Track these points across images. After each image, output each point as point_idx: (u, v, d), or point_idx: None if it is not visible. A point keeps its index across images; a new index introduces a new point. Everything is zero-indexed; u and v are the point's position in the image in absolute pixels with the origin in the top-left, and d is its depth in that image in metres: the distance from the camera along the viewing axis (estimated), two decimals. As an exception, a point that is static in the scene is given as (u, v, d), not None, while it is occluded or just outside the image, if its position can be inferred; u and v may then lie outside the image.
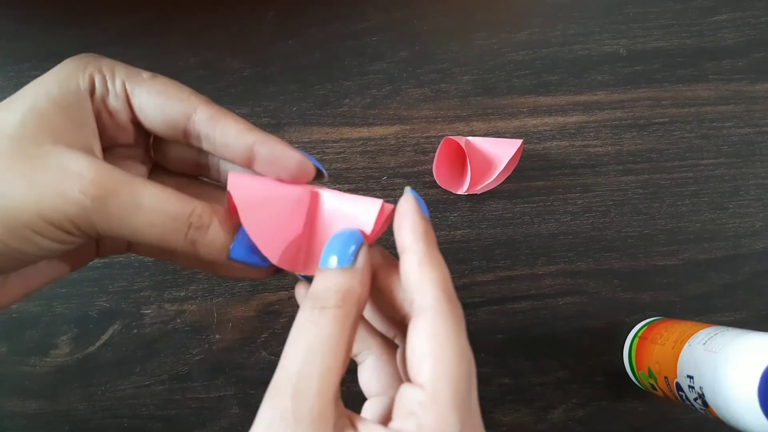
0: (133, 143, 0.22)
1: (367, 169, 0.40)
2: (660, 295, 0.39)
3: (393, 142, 0.40)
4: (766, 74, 0.41)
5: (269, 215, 0.21)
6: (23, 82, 0.19)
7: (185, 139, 0.21)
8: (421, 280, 0.19)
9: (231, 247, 0.20)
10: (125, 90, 0.20)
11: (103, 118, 0.20)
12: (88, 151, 0.19)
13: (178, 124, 0.21)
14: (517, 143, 0.38)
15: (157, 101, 0.20)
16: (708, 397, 0.29)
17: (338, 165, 0.40)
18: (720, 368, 0.28)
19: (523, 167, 0.40)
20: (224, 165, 0.23)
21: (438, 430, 0.17)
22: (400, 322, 0.21)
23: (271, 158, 0.21)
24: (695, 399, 0.30)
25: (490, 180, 0.38)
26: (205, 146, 0.21)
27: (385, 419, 0.19)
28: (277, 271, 0.22)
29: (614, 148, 0.41)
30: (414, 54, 0.41)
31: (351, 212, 0.21)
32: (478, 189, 0.38)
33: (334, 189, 0.23)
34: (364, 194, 0.39)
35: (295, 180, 0.22)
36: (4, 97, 0.19)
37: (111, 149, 0.22)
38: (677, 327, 0.34)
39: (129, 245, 0.24)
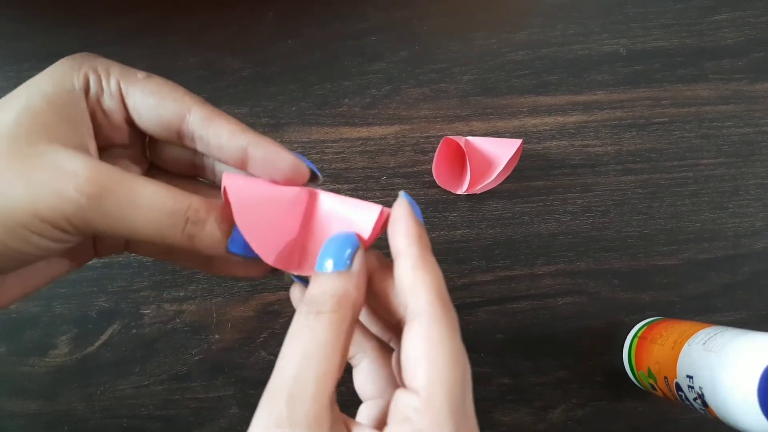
0: (128, 143, 0.22)
1: (366, 169, 0.40)
2: (660, 295, 0.39)
3: (392, 142, 0.40)
4: (766, 74, 0.41)
5: (263, 216, 0.20)
6: (23, 82, 0.19)
7: (179, 139, 0.21)
8: (415, 285, 0.19)
9: (229, 239, 0.20)
10: (120, 89, 0.20)
11: (97, 117, 0.20)
12: (83, 149, 0.19)
13: (171, 125, 0.20)
14: (516, 143, 0.38)
15: (151, 101, 0.20)
16: (707, 397, 0.29)
17: (338, 165, 0.40)
18: (719, 368, 0.28)
19: (522, 167, 0.40)
20: (219, 166, 0.23)
21: None
22: (395, 326, 0.21)
23: (265, 160, 0.21)
24: (695, 399, 0.30)
25: (490, 180, 0.38)
26: (199, 147, 0.21)
27: (381, 423, 0.19)
28: (273, 270, 0.22)
29: (614, 148, 0.41)
30: (414, 54, 0.41)
31: (349, 216, 0.21)
32: (478, 189, 0.38)
33: (334, 189, 0.23)
34: (363, 194, 0.40)
35: (289, 182, 0.22)
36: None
37: (107, 149, 0.22)
38: (677, 327, 0.34)
39: (127, 244, 0.24)
